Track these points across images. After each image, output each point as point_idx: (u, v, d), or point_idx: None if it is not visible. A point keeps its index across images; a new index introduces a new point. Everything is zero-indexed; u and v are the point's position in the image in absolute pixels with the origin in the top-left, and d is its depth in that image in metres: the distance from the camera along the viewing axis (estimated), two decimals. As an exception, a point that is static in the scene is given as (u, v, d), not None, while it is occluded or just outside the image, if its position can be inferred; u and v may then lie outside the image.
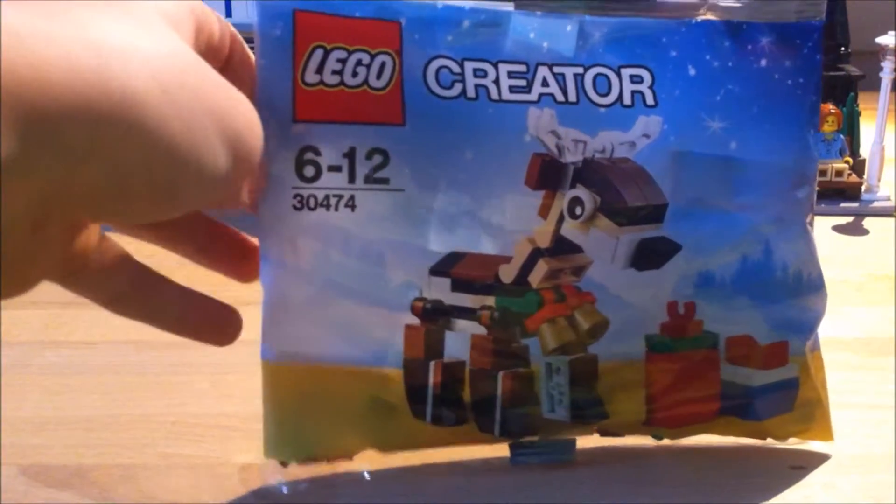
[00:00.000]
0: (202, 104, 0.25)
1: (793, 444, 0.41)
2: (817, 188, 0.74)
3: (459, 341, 0.37)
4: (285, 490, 0.38)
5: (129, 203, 0.25)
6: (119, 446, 0.41)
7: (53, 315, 0.53)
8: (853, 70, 0.83)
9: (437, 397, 0.37)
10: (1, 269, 0.23)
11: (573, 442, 0.40)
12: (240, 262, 0.35)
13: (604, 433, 0.40)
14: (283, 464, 0.37)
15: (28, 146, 0.21)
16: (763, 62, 0.36)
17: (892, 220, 0.70)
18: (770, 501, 0.38)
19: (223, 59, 0.31)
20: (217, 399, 0.45)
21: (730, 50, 0.36)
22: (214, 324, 0.34)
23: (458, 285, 0.36)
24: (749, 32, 0.36)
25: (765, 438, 0.41)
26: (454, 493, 0.39)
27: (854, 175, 0.73)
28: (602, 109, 0.35)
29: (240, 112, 0.27)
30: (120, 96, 0.22)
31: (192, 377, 0.47)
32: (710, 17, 0.36)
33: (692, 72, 0.36)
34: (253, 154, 0.27)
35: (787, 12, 0.36)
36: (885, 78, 0.69)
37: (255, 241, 0.35)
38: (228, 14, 0.79)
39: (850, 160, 0.74)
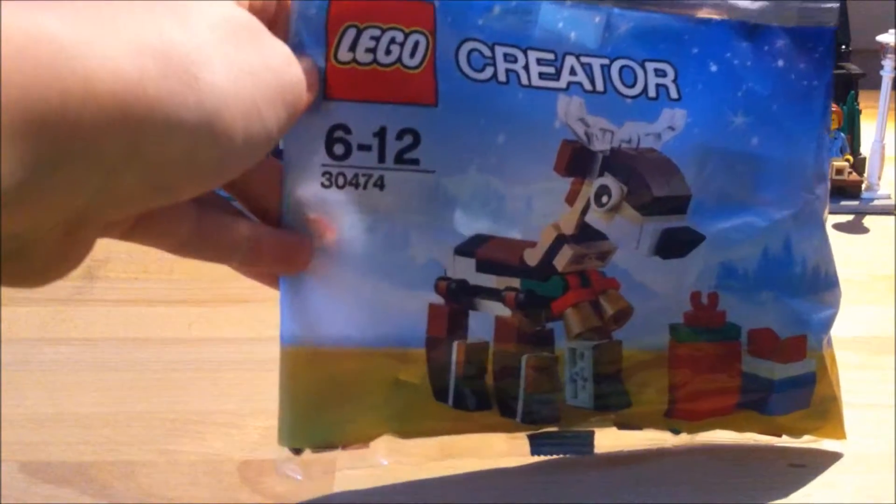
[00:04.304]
0: (255, 65, 0.26)
1: (806, 441, 0.41)
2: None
3: (484, 322, 0.37)
4: (299, 478, 0.37)
5: (170, 195, 0.25)
6: (119, 443, 0.41)
7: (53, 312, 0.53)
8: (854, 68, 0.83)
9: (460, 378, 0.37)
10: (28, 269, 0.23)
11: (592, 434, 0.40)
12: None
13: (623, 426, 0.40)
14: (297, 451, 0.37)
15: (63, 163, 0.21)
16: (780, 63, 0.37)
17: (892, 218, 0.70)
18: (769, 501, 0.38)
19: (271, 14, 0.31)
20: (217, 396, 0.45)
21: (748, 50, 0.37)
22: (285, 255, 0.34)
23: (483, 266, 0.36)
24: (765, 34, 0.37)
25: (780, 435, 0.41)
26: (457, 491, 0.39)
27: (854, 173, 0.73)
28: (628, 100, 0.36)
29: (289, 64, 0.28)
30: (157, 99, 0.22)
31: (191, 374, 0.47)
32: (727, 17, 0.37)
33: (714, 68, 0.36)
34: (302, 101, 0.29)
35: (800, 17, 0.37)
36: (886, 76, 0.69)
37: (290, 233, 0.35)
38: None
39: (851, 158, 0.74)
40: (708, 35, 0.36)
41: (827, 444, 0.41)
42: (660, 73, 0.36)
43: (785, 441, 0.41)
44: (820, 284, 0.39)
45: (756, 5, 0.37)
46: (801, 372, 0.39)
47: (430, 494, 0.38)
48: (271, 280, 0.35)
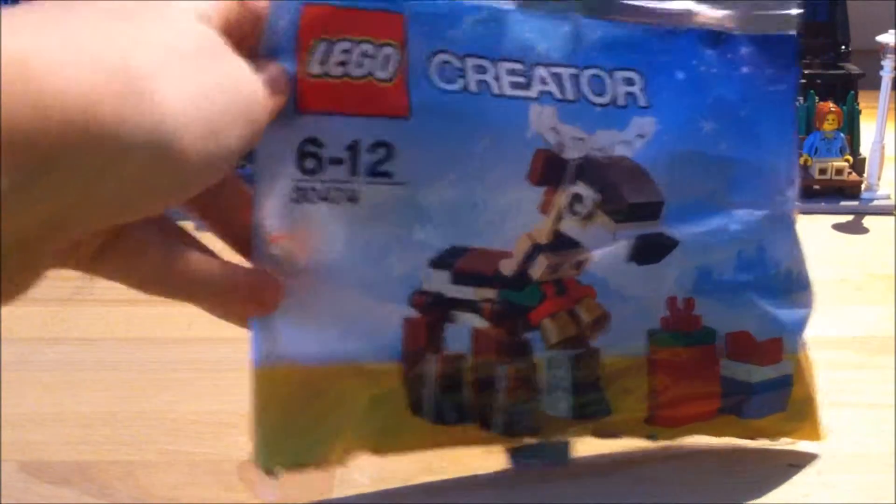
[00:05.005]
0: (215, 86, 0.26)
1: (783, 444, 0.41)
2: (818, 187, 0.75)
3: (461, 334, 0.37)
4: (275, 500, 0.36)
5: (124, 215, 0.25)
6: (118, 443, 0.41)
7: (53, 312, 0.53)
8: (853, 68, 0.83)
9: (438, 391, 0.37)
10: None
11: (567, 444, 0.40)
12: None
13: (601, 434, 0.39)
14: (271, 473, 0.35)
15: (38, 178, 0.21)
16: (746, 69, 0.37)
17: (892, 218, 0.70)
18: (768, 500, 0.38)
19: (246, 29, 0.31)
20: (216, 396, 0.45)
21: (714, 57, 0.37)
22: (256, 294, 0.33)
23: (459, 278, 0.36)
24: (730, 42, 0.37)
25: (756, 438, 0.41)
26: (449, 494, 0.39)
27: (854, 173, 0.73)
28: (598, 109, 0.36)
29: (251, 83, 0.28)
30: (112, 120, 0.22)
31: (191, 374, 0.47)
32: (693, 26, 0.37)
33: (681, 76, 0.37)
34: (264, 119, 0.29)
35: (763, 25, 0.38)
36: (886, 76, 0.69)
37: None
38: None
39: (851, 159, 0.74)
40: (674, 44, 0.37)
41: (827, 444, 0.41)
42: (628, 82, 0.36)
43: (784, 441, 0.41)
44: (793, 286, 0.39)
45: (720, 14, 0.37)
46: (778, 374, 0.39)
47: (430, 496, 0.38)
48: (240, 320, 0.34)
